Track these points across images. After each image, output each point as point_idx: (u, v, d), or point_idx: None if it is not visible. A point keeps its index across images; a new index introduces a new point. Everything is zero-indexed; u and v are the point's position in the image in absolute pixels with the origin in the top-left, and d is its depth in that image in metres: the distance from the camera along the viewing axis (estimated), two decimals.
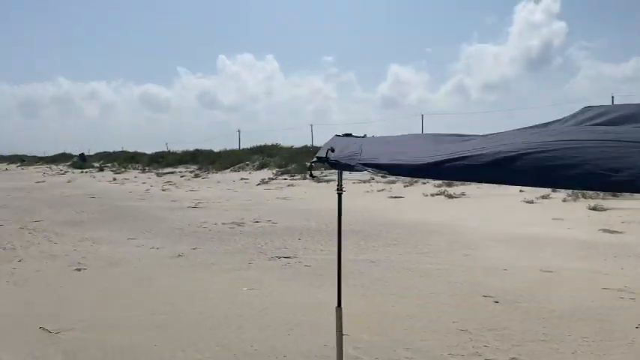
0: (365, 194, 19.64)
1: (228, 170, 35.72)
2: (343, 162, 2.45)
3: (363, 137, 3.41)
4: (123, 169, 42.07)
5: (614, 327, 5.43)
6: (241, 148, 44.36)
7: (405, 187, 21.22)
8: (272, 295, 6.75)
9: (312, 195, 20.58)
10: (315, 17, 74.04)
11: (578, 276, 7.55)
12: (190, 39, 79.61)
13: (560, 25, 54.94)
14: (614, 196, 16.31)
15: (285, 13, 75.09)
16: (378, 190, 20.61)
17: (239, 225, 12.66)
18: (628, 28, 51.28)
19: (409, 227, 11.73)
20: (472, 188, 19.82)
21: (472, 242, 10.08)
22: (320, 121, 76.70)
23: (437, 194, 18.34)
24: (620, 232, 11.19)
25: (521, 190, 18.14)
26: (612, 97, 32.67)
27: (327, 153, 2.54)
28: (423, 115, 42.01)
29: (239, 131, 49.53)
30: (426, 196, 18.41)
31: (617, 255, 8.88)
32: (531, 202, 15.98)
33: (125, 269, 8.28)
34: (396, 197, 18.40)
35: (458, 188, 19.19)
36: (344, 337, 5.33)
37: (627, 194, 16.56)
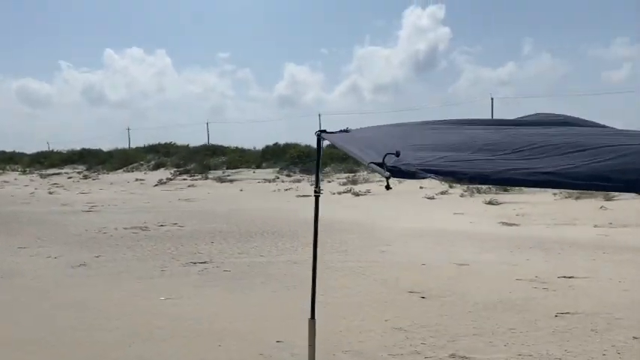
0: (272, 194, 19.44)
1: (121, 171, 33.82)
2: (404, 168, 1.99)
3: (347, 131, 3.17)
4: (0, 171, 38.33)
5: (535, 317, 5.67)
6: (133, 147, 42.17)
7: (311, 185, 21.26)
8: (193, 304, 6.33)
9: (217, 196, 20.00)
10: (209, 12, 72.15)
11: (490, 268, 7.89)
12: (73, 31, 74.20)
13: (445, 31, 58.22)
14: (505, 190, 17.47)
15: (176, 6, 72.55)
16: (285, 190, 20.50)
17: (143, 229, 11.90)
18: (503, 36, 55.51)
19: (323, 226, 11.59)
20: (375, 186, 20.32)
21: (386, 239, 10.23)
22: (215, 119, 74.77)
23: (344, 192, 18.57)
24: (517, 225, 11.96)
25: (421, 187, 18.89)
26: (492, 99, 35.40)
27: (384, 158, 2.03)
28: (320, 115, 42.69)
29: (129, 129, 47.02)
30: (334, 194, 18.58)
31: (520, 246, 9.42)
32: (432, 198, 16.68)
33: (20, 282, 7.40)
34: (304, 196, 18.35)
35: (363, 186, 19.58)
36: (279, 343, 5.13)
37: (516, 188, 17.81)
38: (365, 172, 24.22)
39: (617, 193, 15.33)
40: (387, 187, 2.04)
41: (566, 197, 15.58)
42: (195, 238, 10.56)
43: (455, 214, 13.60)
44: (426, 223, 12.26)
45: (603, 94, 54.37)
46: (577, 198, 15.31)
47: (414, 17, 57.70)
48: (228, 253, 9.10)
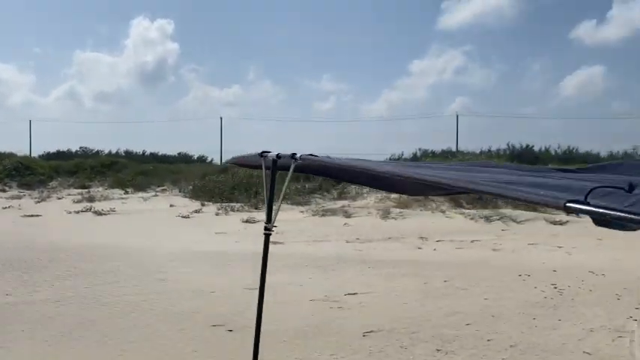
0: None
1: None
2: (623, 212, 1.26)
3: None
4: None
5: (346, 339, 5.69)
6: None
7: (37, 202, 18.31)
8: None
9: None
10: None
11: (281, 290, 7.74)
12: None
13: (174, 47, 56.98)
14: (256, 208, 17.87)
15: None
16: (4, 208, 17.16)
17: None
18: (230, 59, 57.18)
19: (75, 252, 10.02)
20: (118, 203, 18.60)
21: (157, 264, 9.28)
22: None
23: (83, 211, 16.42)
24: (282, 243, 12.20)
25: (171, 205, 18.01)
26: (221, 118, 36.75)
27: (587, 196, 1.34)
28: (30, 121, 38.15)
29: None
30: (70, 213, 16.26)
31: (296, 265, 9.57)
32: (187, 217, 15.98)
33: None
34: (32, 216, 15.63)
35: (104, 204, 17.67)
36: None
37: (263, 207, 18.40)
38: (102, 188, 22.06)
39: (353, 211, 17.13)
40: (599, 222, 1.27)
41: (312, 215, 16.66)
42: None
43: (217, 233, 13.24)
44: (190, 244, 11.60)
45: (317, 121, 61.18)
46: (322, 215, 16.52)
47: (142, 28, 55.25)
48: None
